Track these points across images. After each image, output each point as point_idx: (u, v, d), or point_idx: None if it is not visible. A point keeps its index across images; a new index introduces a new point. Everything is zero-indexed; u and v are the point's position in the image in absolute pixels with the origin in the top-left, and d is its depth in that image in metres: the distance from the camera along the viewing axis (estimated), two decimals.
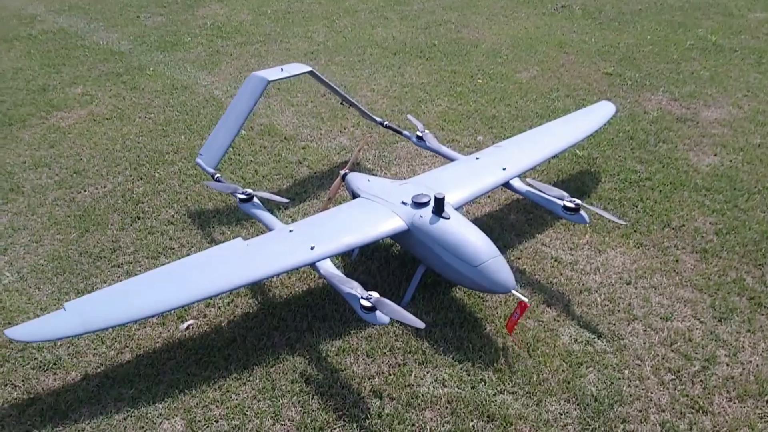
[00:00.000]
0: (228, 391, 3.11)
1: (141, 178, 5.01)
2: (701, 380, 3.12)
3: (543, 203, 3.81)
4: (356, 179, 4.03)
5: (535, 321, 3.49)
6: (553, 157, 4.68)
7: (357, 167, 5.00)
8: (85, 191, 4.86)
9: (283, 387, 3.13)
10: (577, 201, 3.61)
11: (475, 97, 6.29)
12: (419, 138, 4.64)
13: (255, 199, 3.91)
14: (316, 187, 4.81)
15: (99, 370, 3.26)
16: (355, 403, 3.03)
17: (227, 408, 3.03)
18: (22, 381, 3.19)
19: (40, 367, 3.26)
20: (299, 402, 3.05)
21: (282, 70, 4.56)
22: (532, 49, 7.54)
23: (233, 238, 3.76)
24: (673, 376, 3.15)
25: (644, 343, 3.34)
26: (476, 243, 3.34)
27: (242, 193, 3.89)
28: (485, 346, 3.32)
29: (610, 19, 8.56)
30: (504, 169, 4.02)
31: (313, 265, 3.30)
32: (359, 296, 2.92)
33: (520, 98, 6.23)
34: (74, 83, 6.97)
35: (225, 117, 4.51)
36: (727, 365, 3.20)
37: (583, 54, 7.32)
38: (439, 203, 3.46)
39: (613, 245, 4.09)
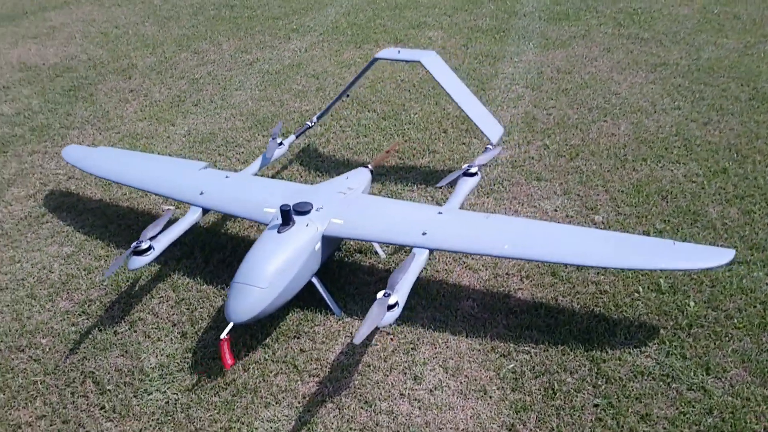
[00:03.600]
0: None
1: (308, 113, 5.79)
2: None
3: None
4: (353, 173, 3.97)
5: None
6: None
7: None
8: (261, 103, 5.98)
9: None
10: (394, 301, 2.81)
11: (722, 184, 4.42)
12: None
13: (282, 145, 4.46)
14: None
15: (94, 196, 4.62)
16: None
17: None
18: (51, 176, 4.82)
19: (71, 174, 4.85)
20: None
21: (399, 52, 4.51)
22: None
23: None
24: None
25: None
26: (254, 263, 3.13)
27: (276, 139, 4.39)
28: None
29: None
30: (424, 233, 3.28)
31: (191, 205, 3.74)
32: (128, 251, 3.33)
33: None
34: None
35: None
36: None
37: None
38: (285, 216, 3.29)
39: (489, 393, 2.94)
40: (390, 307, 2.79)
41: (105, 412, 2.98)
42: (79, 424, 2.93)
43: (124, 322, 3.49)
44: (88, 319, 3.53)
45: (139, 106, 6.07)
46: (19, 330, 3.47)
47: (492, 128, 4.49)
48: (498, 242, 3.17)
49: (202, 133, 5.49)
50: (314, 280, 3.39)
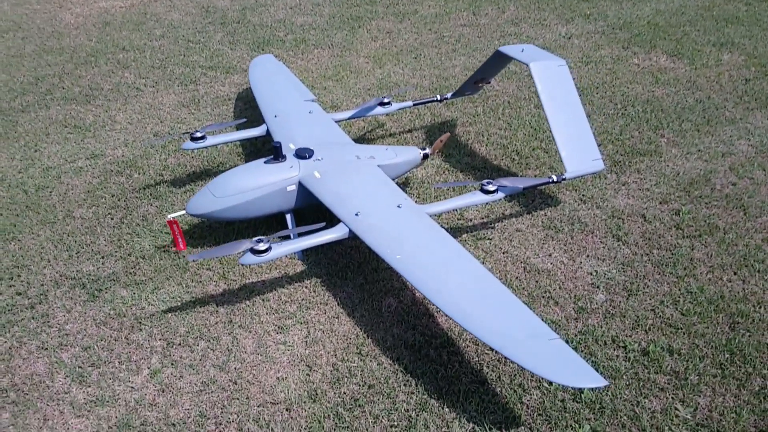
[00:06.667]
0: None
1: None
2: None
3: None
4: (398, 148, 4.11)
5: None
6: None
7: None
8: (467, 72, 5.96)
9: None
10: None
11: None
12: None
13: (389, 105, 4.72)
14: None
15: None
16: None
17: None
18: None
19: None
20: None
21: (522, 50, 4.22)
22: None
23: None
24: None
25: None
26: (225, 176, 3.66)
27: (385, 98, 4.70)
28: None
29: None
30: (357, 214, 3.34)
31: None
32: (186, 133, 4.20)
33: None
34: None
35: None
36: None
37: None
38: (275, 151, 3.72)
39: (312, 371, 3.04)
40: (257, 252, 3.07)
41: (107, 236, 4.01)
42: (89, 232, 4.02)
43: (185, 188, 4.44)
44: (171, 174, 4.59)
45: (382, 45, 6.78)
46: (132, 164, 4.74)
47: (581, 159, 3.92)
48: (396, 250, 3.07)
49: (389, 81, 5.97)
50: (287, 217, 3.77)
